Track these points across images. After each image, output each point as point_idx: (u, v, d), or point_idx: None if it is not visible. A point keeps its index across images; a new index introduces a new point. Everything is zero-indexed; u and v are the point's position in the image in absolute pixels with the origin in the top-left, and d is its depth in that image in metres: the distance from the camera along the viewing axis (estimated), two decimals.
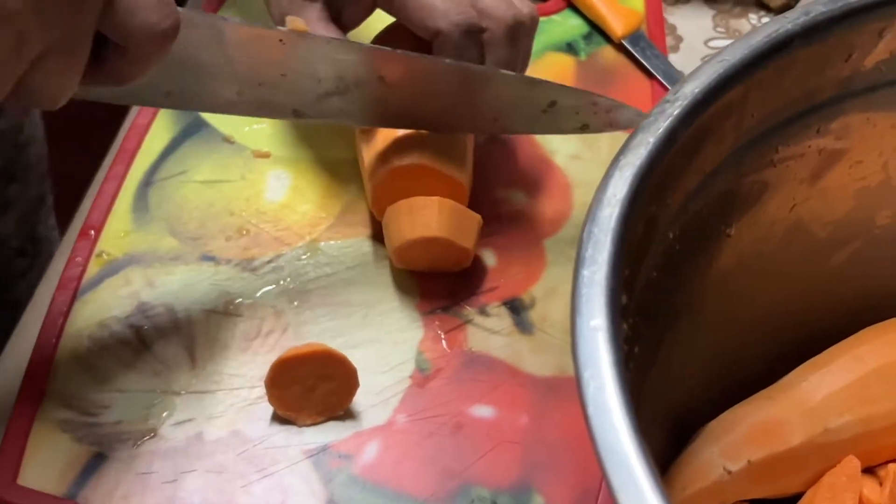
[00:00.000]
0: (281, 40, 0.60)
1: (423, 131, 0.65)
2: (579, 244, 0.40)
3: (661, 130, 0.43)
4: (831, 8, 0.48)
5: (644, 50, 0.81)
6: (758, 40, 0.47)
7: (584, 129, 0.66)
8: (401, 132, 0.65)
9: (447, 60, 0.63)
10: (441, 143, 0.65)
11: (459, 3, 0.63)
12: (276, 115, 0.64)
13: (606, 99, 0.65)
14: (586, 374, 0.37)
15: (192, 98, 0.62)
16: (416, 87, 0.63)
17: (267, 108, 0.63)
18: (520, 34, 0.65)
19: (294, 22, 0.61)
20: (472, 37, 0.63)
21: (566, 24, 0.84)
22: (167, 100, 0.61)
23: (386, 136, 0.65)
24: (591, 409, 0.36)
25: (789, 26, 0.48)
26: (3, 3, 0.45)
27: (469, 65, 0.63)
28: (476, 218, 0.64)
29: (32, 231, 0.93)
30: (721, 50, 0.47)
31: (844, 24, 0.48)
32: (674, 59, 0.83)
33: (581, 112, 0.65)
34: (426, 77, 0.63)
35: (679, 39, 0.86)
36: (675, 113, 0.44)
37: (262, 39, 0.60)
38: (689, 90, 0.45)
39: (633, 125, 0.66)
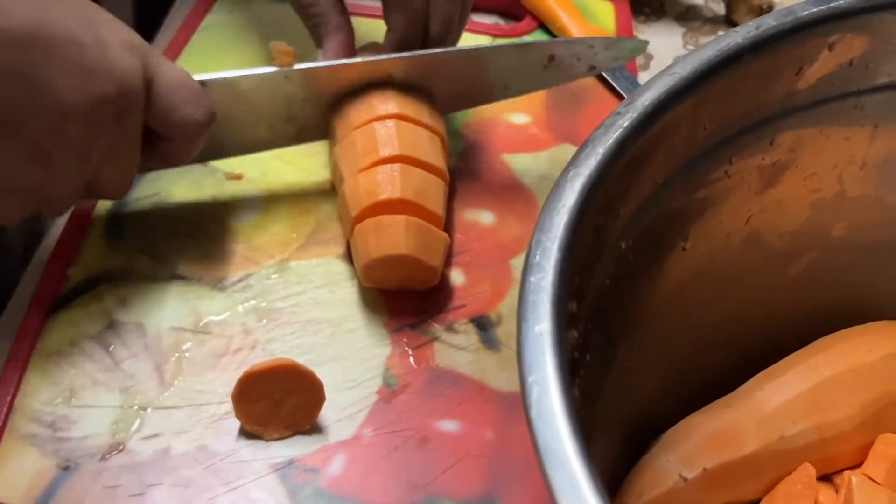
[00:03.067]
0: (286, 77, 0.68)
1: (409, 167, 0.66)
2: (528, 251, 0.41)
3: (610, 142, 0.44)
4: (781, 22, 0.49)
5: (613, 71, 0.82)
6: (709, 54, 0.48)
7: (592, 70, 0.71)
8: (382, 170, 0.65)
9: (442, 49, 0.70)
10: (421, 178, 0.66)
11: None
12: (314, 139, 0.72)
13: (601, 39, 0.70)
14: (530, 379, 0.38)
15: (234, 146, 0.71)
16: (425, 78, 0.70)
17: (303, 136, 0.72)
18: None
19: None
20: None
21: None
22: (212, 153, 0.69)
23: (366, 170, 0.66)
24: (533, 413, 0.37)
25: (740, 40, 0.48)
26: (64, 133, 0.56)
27: (464, 47, 0.70)
28: (443, 237, 0.65)
29: (38, 240, 0.94)
30: (673, 63, 0.48)
31: (794, 39, 0.49)
32: (644, 77, 0.84)
33: (582, 58, 0.70)
34: (431, 68, 0.69)
35: (649, 57, 0.87)
36: (626, 125, 0.45)
37: (269, 81, 0.68)
38: (640, 103, 0.46)
39: (636, 54, 0.71)
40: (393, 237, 0.63)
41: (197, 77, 0.63)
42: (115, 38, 0.58)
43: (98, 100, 0.56)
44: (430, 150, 0.67)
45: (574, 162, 0.44)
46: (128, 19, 0.65)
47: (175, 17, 0.86)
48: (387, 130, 0.66)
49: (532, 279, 0.40)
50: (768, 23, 0.49)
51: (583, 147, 0.44)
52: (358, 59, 0.68)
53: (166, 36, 0.84)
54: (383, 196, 0.63)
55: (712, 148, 0.50)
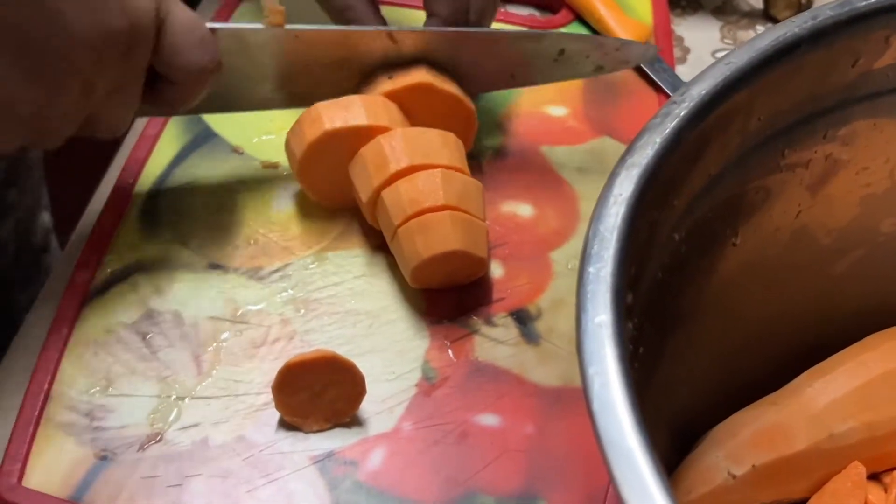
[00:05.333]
0: (296, 36, 0.67)
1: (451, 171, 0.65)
2: (585, 242, 0.40)
3: (667, 131, 0.43)
4: (838, 13, 0.48)
5: (652, 63, 0.81)
6: (765, 44, 0.47)
7: (599, 70, 0.71)
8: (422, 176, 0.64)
9: (454, 29, 0.68)
10: (462, 182, 0.65)
11: None
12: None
13: (612, 39, 0.71)
14: (591, 371, 0.37)
15: (234, 100, 0.69)
16: (432, 55, 0.69)
17: (304, 99, 0.69)
18: None
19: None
20: None
21: None
22: (211, 105, 0.68)
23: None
24: (595, 405, 0.36)
25: (797, 30, 0.48)
26: (72, 61, 0.55)
27: (474, 29, 0.69)
28: (483, 226, 0.64)
29: (29, 238, 0.94)
30: (728, 53, 0.47)
31: (851, 30, 0.48)
32: (680, 70, 0.83)
33: (591, 55, 0.70)
34: (440, 45, 0.68)
35: (686, 51, 0.86)
36: (682, 114, 0.44)
37: (278, 38, 0.67)
38: (696, 92, 0.45)
39: (644, 59, 0.72)
40: (441, 234, 0.62)
41: (208, 25, 0.62)
42: None
43: (108, 33, 0.55)
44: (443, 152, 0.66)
45: (630, 151, 0.43)
46: None
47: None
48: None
49: (590, 269, 0.39)
50: (825, 13, 0.48)
51: (639, 136, 0.44)
52: (366, 27, 0.68)
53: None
54: (427, 204, 0.63)
55: (766, 140, 0.49)
